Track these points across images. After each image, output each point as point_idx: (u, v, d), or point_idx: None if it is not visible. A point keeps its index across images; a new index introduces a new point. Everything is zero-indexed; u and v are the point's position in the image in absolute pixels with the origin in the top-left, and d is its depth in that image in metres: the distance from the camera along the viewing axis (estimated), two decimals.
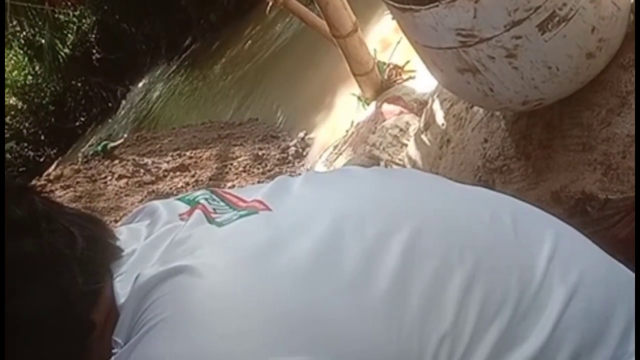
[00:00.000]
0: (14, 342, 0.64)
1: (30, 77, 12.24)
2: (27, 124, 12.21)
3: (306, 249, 0.67)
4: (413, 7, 1.67)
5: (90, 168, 5.84)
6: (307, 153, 5.00)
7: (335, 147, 4.02)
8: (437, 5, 1.61)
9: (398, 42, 4.05)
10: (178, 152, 5.80)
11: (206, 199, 0.78)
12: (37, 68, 12.02)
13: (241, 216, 0.72)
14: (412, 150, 2.65)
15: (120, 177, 5.45)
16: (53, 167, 7.98)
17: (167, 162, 5.56)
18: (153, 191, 5.08)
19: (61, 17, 11.48)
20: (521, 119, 1.94)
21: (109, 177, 5.52)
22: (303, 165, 4.86)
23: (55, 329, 0.66)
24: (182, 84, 9.64)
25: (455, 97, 2.27)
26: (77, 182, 5.55)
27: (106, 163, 5.85)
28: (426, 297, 0.67)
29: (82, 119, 12.06)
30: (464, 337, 0.66)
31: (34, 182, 5.85)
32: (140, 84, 11.34)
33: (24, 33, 11.31)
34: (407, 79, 3.95)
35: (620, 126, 1.70)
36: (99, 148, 6.12)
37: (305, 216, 0.72)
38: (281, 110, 6.08)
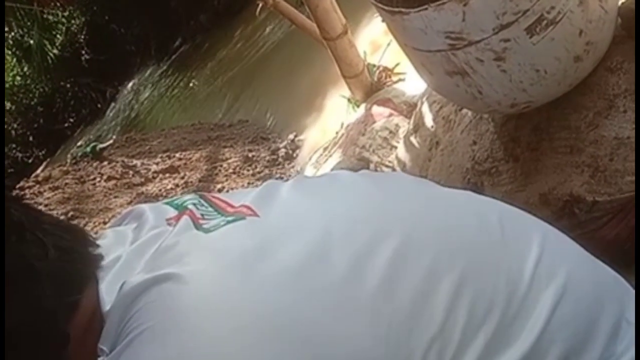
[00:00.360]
0: None
1: (18, 78, 12.15)
2: (15, 125, 12.12)
3: (294, 255, 0.67)
4: (402, 10, 1.67)
5: (79, 169, 5.81)
6: (297, 155, 5.00)
7: (325, 149, 4.02)
8: (426, 9, 1.61)
9: (388, 45, 4.06)
10: (167, 153, 5.77)
11: (194, 204, 0.78)
12: (25, 69, 11.93)
13: (228, 222, 0.72)
14: (401, 152, 2.66)
15: (109, 178, 5.43)
16: (41, 168, 7.94)
17: (157, 164, 5.54)
18: (142, 193, 5.06)
19: (50, 17, 11.42)
20: (509, 121, 1.95)
21: (98, 179, 5.50)
22: (293, 167, 4.86)
23: (27, 342, 0.65)
24: (172, 85, 9.61)
25: (444, 100, 2.28)
26: (66, 184, 5.52)
27: (95, 164, 5.82)
28: (414, 302, 0.67)
29: (71, 120, 11.99)
30: (452, 340, 0.67)
31: (22, 183, 5.81)
32: (130, 85, 11.29)
33: (13, 34, 11.23)
34: (396, 82, 3.96)
35: (608, 129, 1.71)
36: (88, 149, 6.09)
37: (293, 223, 0.73)
38: (271, 112, 6.07)
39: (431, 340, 0.66)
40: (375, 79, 4.00)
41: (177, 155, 5.66)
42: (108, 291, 0.68)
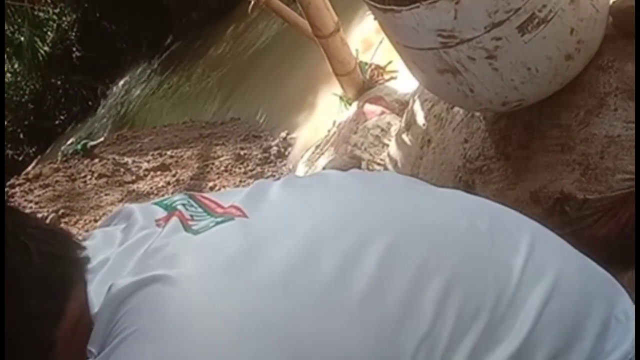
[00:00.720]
0: None
1: (9, 75, 12.08)
2: (5, 122, 12.06)
3: (282, 257, 0.67)
4: (394, 7, 1.67)
5: (70, 167, 5.78)
6: (289, 153, 5.00)
7: (317, 147, 4.02)
8: (418, 6, 1.61)
9: (380, 43, 4.06)
10: (159, 151, 5.76)
11: (183, 205, 0.77)
12: (16, 66, 11.87)
13: (217, 223, 0.72)
14: (393, 150, 2.66)
15: (100, 176, 5.41)
16: (32, 165, 7.90)
17: (148, 162, 5.53)
18: (133, 190, 5.05)
19: (41, 14, 11.36)
20: (501, 119, 1.96)
21: (89, 176, 5.47)
22: (285, 165, 4.85)
23: (11, 348, 0.64)
24: (164, 82, 9.58)
25: (436, 98, 2.28)
26: (57, 181, 5.49)
27: (86, 162, 5.79)
28: (403, 303, 0.67)
29: (62, 117, 11.94)
30: (441, 341, 0.67)
31: (12, 180, 5.78)
32: (121, 83, 11.25)
33: None
34: (388, 79, 3.96)
35: (599, 127, 1.72)
36: (79, 147, 6.06)
37: (282, 224, 0.73)
38: (263, 110, 6.06)
39: (420, 340, 0.66)
40: (367, 77, 4.01)
41: (169, 153, 5.64)
42: (96, 293, 0.68)
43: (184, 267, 0.66)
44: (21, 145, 11.88)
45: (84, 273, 0.70)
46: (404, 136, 2.53)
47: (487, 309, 0.70)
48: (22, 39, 10.96)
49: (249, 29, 7.92)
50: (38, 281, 0.66)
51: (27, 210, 4.53)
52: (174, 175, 5.18)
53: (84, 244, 0.74)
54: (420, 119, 2.41)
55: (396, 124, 3.10)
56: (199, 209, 0.76)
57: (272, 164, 4.95)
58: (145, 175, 5.30)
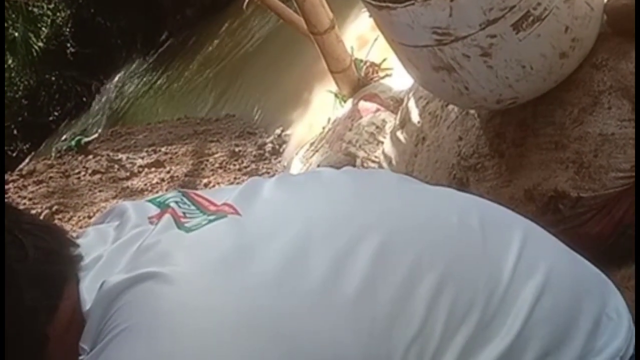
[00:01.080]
0: None
1: None
2: None
3: (275, 256, 0.67)
4: (389, 4, 1.67)
5: (64, 163, 5.77)
6: (283, 150, 4.99)
7: (311, 144, 4.02)
8: (413, 4, 1.61)
9: (375, 40, 4.06)
10: (153, 147, 5.74)
11: (176, 202, 0.77)
12: (10, 61, 11.82)
13: (210, 221, 0.72)
14: (388, 147, 2.66)
15: (94, 172, 5.39)
16: (26, 162, 7.88)
17: (142, 158, 5.51)
18: (127, 187, 5.03)
19: (35, 10, 11.32)
20: (495, 117, 1.96)
21: (83, 173, 5.46)
22: (280, 162, 4.85)
23: (5, 344, 0.64)
24: (158, 79, 9.56)
25: (430, 95, 2.28)
26: (50, 177, 5.48)
27: (80, 158, 5.78)
28: (395, 300, 0.68)
29: (56, 113, 11.91)
30: (433, 339, 0.67)
31: (6, 177, 5.76)
32: (116, 79, 11.23)
33: None
34: (383, 77, 3.96)
35: (593, 125, 1.72)
36: (73, 143, 6.05)
37: (275, 222, 0.73)
38: (258, 107, 6.06)
39: (412, 338, 0.66)
40: (363, 74, 4.01)
41: (163, 149, 5.63)
42: (89, 290, 0.68)
43: (177, 265, 0.66)
44: (15, 141, 11.85)
45: (77, 270, 0.70)
46: (399, 133, 2.54)
47: (479, 306, 0.70)
48: (16, 34, 10.92)
49: (244, 25, 7.91)
50: (33, 277, 0.66)
51: (21, 207, 4.51)
52: (168, 172, 5.17)
53: (77, 241, 0.74)
54: (415, 116, 2.41)
55: (391, 121, 3.10)
56: (192, 207, 0.76)
57: (266, 161, 4.95)
58: (140, 172, 5.28)
